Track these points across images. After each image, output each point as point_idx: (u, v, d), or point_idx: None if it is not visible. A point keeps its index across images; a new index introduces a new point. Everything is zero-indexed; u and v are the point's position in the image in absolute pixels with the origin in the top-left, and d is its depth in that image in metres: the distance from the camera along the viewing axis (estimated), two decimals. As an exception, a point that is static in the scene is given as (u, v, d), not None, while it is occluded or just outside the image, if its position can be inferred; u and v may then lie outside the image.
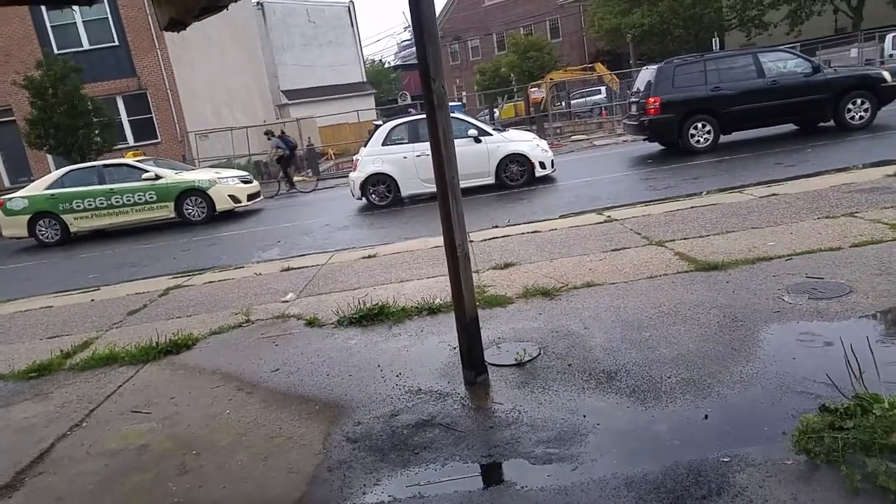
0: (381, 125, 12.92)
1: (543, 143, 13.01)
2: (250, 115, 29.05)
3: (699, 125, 12.56)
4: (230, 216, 14.25)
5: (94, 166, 14.51)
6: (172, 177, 13.93)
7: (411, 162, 11.99)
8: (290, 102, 39.07)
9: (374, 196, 12.33)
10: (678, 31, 36.06)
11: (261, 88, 33.49)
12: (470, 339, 3.58)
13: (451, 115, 11.77)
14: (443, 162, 3.37)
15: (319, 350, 4.47)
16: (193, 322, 5.62)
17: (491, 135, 12.34)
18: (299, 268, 7.36)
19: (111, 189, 13.74)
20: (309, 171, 23.08)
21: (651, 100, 12.71)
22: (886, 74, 12.34)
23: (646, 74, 13.71)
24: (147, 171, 13.86)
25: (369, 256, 7.41)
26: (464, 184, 11.16)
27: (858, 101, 12.09)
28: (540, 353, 3.83)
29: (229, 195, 13.93)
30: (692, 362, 3.39)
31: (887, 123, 12.35)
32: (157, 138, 23.10)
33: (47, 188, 13.98)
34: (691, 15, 35.69)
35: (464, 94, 49.13)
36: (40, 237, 13.83)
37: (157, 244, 12.01)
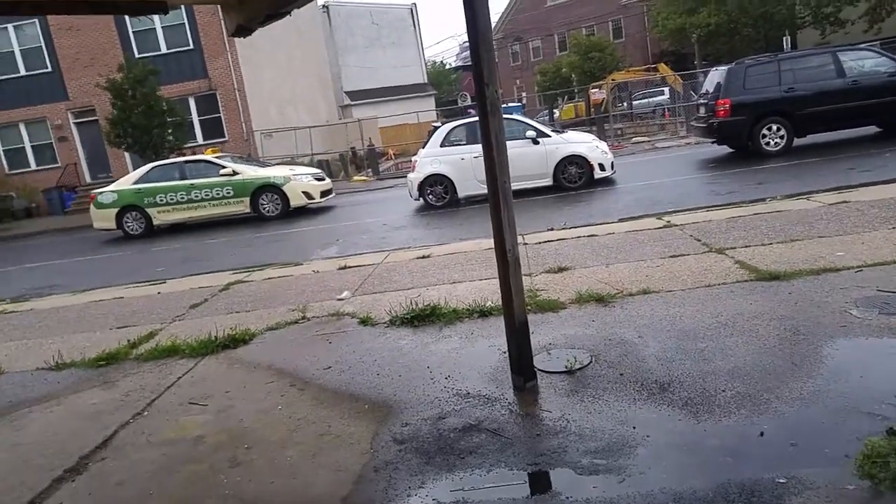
0: (439, 126, 13.05)
1: (603, 145, 12.81)
2: (314, 115, 29.72)
3: (772, 127, 12.13)
4: (303, 212, 14.65)
5: (175, 162, 15.24)
6: (249, 173, 14.46)
7: (469, 163, 11.99)
8: (352, 103, 39.76)
9: (431, 197, 12.42)
10: (747, 31, 34.75)
11: (324, 89, 34.21)
12: (519, 344, 3.56)
13: (509, 116, 11.94)
14: (494, 166, 3.37)
15: (371, 349, 4.54)
16: (251, 317, 5.79)
17: (549, 136, 12.24)
18: (355, 266, 7.48)
19: (191, 184, 14.39)
20: (369, 170, 23.43)
21: (721, 102, 12.36)
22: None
23: (715, 76, 13.36)
24: (224, 168, 14.43)
25: (423, 257, 7.46)
26: (521, 185, 11.61)
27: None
28: (591, 361, 3.77)
29: (303, 192, 14.26)
30: (749, 376, 3.27)
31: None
32: (224, 137, 23.95)
33: (134, 183, 14.76)
34: (762, 13, 34.33)
35: (524, 94, 48.81)
36: (127, 229, 14.63)
37: (227, 238, 12.49)
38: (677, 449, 2.74)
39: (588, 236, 7.29)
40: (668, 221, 7.48)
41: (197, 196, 14.29)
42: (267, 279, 7.48)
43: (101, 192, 14.85)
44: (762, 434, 2.74)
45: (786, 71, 12.12)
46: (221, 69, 23.43)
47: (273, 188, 14.14)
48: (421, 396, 3.65)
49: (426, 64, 51.07)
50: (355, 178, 22.41)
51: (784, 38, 27.59)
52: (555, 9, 51.62)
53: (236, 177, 14.23)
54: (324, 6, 39.88)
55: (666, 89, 31.68)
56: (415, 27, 46.44)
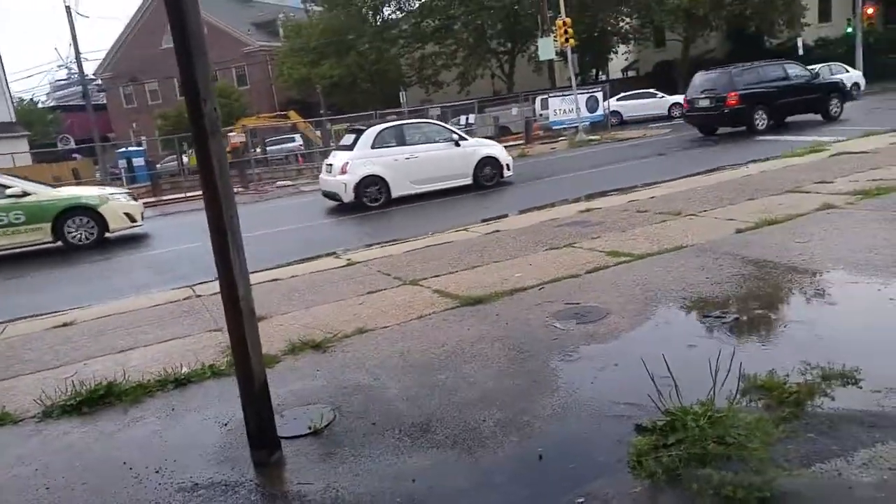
0: (363, 129, 13.14)
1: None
2: None
3: (761, 112, 17.06)
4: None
5: None
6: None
7: (402, 164, 12.64)
8: None
9: (366, 198, 12.42)
10: (365, 85, 38.38)
11: None
12: (260, 410, 2.96)
13: (430, 122, 14.18)
14: (218, 198, 2.75)
15: (25, 456, 3.29)
16: None
17: (467, 139, 13.73)
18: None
19: None
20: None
21: (731, 94, 16.92)
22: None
23: (701, 79, 18.42)
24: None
25: (65, 324, 5.92)
26: (444, 185, 12.87)
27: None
28: (336, 416, 3.36)
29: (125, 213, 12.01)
30: (500, 401, 3.29)
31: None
32: None
33: None
34: (376, 70, 38.39)
35: (143, 138, 44.62)
36: None
37: None
38: (469, 494, 2.56)
39: (271, 281, 6.76)
40: (350, 259, 7.45)
41: None
42: None
43: None
44: (541, 458, 2.74)
45: (763, 75, 17.40)
46: None
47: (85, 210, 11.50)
48: (131, 505, 2.73)
49: (13, 100, 42.80)
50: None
51: (400, 94, 31.14)
52: (172, 52, 48.48)
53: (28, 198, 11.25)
54: None
55: (297, 136, 32.61)
56: (-7, 57, 38.64)
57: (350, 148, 12.96)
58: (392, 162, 12.67)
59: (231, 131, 27.14)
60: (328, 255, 8.04)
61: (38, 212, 11.26)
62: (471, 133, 22.86)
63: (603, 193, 10.32)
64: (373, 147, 12.70)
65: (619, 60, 43.84)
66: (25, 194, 11.36)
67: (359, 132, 13.18)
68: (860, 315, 3.91)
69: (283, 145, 34.21)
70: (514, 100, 30.45)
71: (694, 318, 4.16)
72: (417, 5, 40.19)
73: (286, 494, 2.72)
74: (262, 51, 46.55)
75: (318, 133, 27.82)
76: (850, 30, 32.70)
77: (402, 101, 31.81)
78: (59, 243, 11.46)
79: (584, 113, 25.54)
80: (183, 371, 4.17)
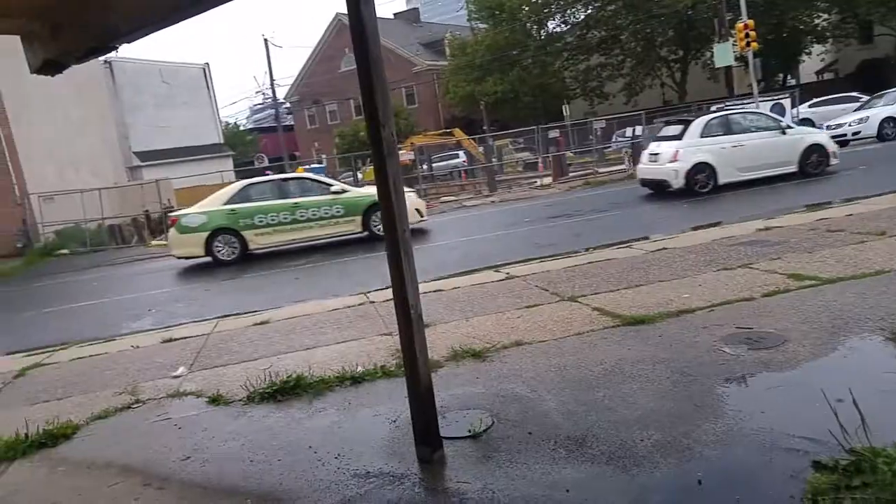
0: (692, 120, 13.89)
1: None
2: (100, 177, 26.44)
3: None
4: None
5: None
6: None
7: (729, 152, 13.15)
8: (142, 164, 36.61)
9: (696, 185, 13.06)
10: (527, 99, 38.67)
11: (111, 149, 30.93)
12: (425, 410, 3.20)
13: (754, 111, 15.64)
14: (394, 215, 3.04)
15: (234, 432, 3.83)
16: (67, 406, 4.68)
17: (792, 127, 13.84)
18: (182, 338, 6.48)
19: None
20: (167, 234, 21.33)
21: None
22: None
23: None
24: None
25: (262, 323, 6.72)
26: (764, 173, 12.88)
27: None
28: (494, 422, 3.51)
29: (416, 209, 13.36)
30: (659, 422, 3.24)
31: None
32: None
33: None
34: (539, 84, 38.54)
35: (323, 156, 48.69)
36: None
37: None
38: (625, 510, 2.56)
39: (434, 291, 7.13)
40: (508, 273, 7.63)
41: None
42: (76, 359, 6.16)
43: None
44: (700, 482, 2.67)
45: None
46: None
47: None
48: (313, 483, 3.09)
49: (221, 124, 48.98)
50: (153, 243, 20.21)
51: (563, 106, 30.98)
52: (349, 74, 52.60)
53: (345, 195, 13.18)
54: (106, 62, 36.51)
55: (461, 152, 33.67)
56: (208, 87, 44.55)
57: (678, 137, 13.71)
58: (720, 150, 13.21)
59: (401, 149, 28.82)
60: (488, 268, 8.27)
61: (353, 206, 12.99)
62: (638, 146, 22.19)
63: (788, 211, 9.52)
64: (701, 136, 13.37)
65: (812, 62, 39.72)
66: (344, 191, 13.24)
67: (686, 122, 14.09)
68: None
69: (448, 161, 35.55)
70: (686, 109, 28.96)
71: (891, 352, 3.74)
72: (583, 17, 39.79)
73: (447, 490, 2.91)
74: (429, 70, 48.76)
75: (481, 149, 28.51)
76: None
77: (565, 113, 31.63)
78: (366, 234, 13.16)
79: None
80: (358, 370, 4.57)
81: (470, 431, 3.42)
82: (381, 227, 11.45)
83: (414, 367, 3.17)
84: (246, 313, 7.52)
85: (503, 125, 36.33)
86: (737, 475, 2.69)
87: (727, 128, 13.60)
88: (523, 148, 32.41)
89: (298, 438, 3.63)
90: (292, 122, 58.74)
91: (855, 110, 22.78)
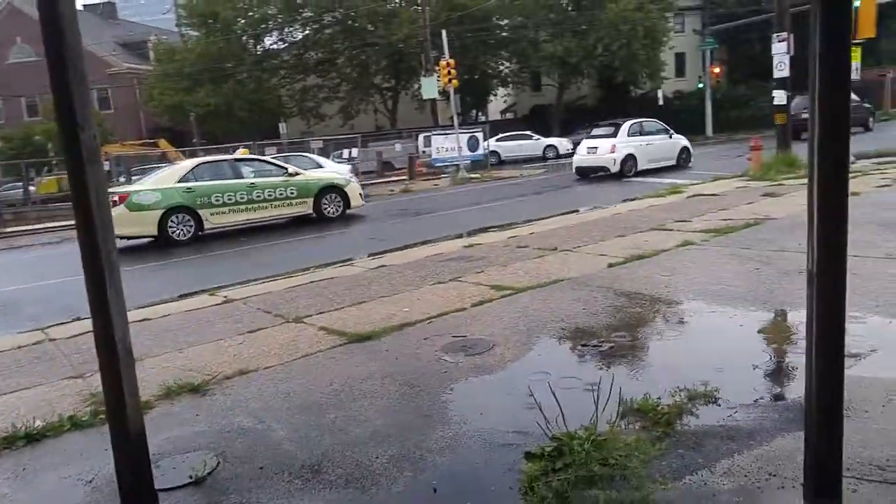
0: (621, 123, 19.29)
1: None
2: None
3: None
4: None
5: None
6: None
7: (643, 147, 18.89)
8: None
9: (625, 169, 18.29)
10: (242, 114, 37.26)
11: None
12: (136, 461, 2.74)
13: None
14: (96, 232, 2.58)
15: None
16: None
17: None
18: None
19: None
20: None
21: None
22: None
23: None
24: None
25: None
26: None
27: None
28: (219, 463, 3.19)
29: (359, 193, 14.93)
30: (392, 436, 3.29)
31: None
32: None
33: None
34: (254, 99, 37.46)
35: (-27, 163, 40.08)
36: None
37: None
38: (365, 533, 2.52)
39: (141, 321, 6.32)
40: (226, 297, 7.14)
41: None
42: None
43: None
44: (435, 490, 2.76)
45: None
46: None
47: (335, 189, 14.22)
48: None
49: None
50: None
51: (280, 124, 30.57)
52: (20, 67, 44.08)
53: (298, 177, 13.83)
54: None
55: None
56: None
57: (612, 136, 18.73)
58: (638, 146, 18.69)
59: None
60: (202, 292, 7.65)
61: (305, 189, 13.70)
62: (353, 167, 22.95)
63: (484, 230, 10.67)
64: (628, 135, 18.65)
65: (498, 102, 45.88)
66: (297, 174, 13.81)
67: (616, 125, 19.30)
68: (718, 340, 4.33)
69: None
70: (397, 136, 30.95)
71: (574, 348, 4.37)
72: (300, 37, 39.95)
73: (165, 551, 2.53)
74: (129, 73, 43.98)
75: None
76: (700, 85, 36.48)
77: (281, 131, 31.23)
78: (314, 215, 13.99)
79: (466, 152, 26.44)
80: (36, 425, 3.77)
81: (192, 477, 3.04)
82: (330, 209, 14.12)
83: (121, 411, 2.70)
84: None
85: (215, 139, 34.39)
86: (465, 477, 2.84)
87: (641, 131, 19.26)
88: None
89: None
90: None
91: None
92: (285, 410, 3.75)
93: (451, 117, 26.22)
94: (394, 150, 28.80)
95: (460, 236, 9.85)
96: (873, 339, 3.87)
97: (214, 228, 12.96)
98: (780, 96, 14.52)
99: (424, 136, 28.66)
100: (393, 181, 25.41)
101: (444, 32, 25.82)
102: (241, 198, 12.96)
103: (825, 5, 1.93)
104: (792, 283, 5.19)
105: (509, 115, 46.11)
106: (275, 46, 41.20)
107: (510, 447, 3.03)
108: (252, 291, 7.31)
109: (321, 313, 5.88)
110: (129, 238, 12.39)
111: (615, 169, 18.31)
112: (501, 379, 3.91)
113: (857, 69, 14.67)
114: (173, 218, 12.24)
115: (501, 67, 40.93)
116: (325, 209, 13.96)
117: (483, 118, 44.26)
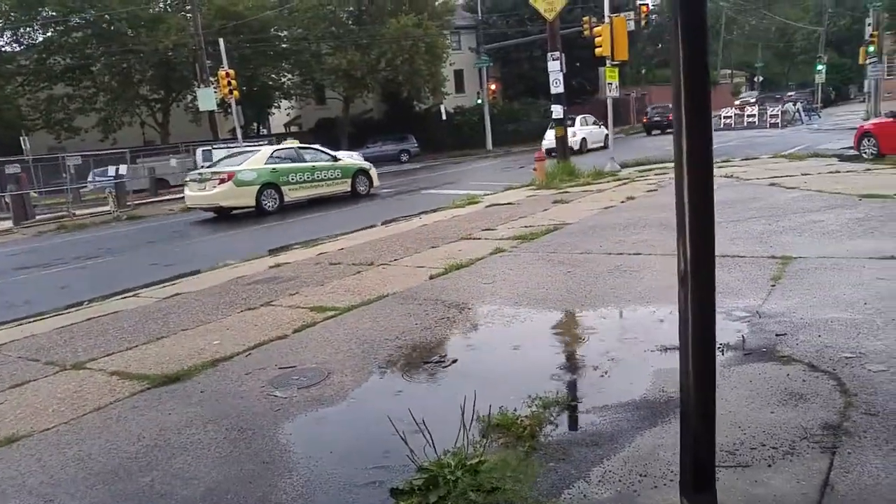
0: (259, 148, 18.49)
1: None
2: None
3: None
4: None
5: None
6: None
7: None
8: None
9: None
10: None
11: None
12: None
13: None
14: None
15: None
16: None
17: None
18: None
19: None
20: None
21: None
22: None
23: None
24: None
25: None
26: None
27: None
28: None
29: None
30: (231, 493, 2.79)
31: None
32: None
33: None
34: (-16, 109, 31.70)
35: None
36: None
37: None
38: None
39: None
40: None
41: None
42: None
43: None
44: (297, 552, 2.36)
45: None
46: None
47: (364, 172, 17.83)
48: None
49: None
50: None
51: (21, 138, 26.14)
52: None
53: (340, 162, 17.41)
54: None
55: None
56: None
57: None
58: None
59: None
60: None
61: (346, 171, 17.23)
62: (121, 185, 20.62)
63: (286, 247, 10.06)
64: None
65: (281, 115, 44.40)
66: (338, 159, 17.49)
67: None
68: (555, 343, 4.40)
69: None
70: (172, 150, 28.35)
71: (417, 367, 4.11)
72: (41, 39, 34.69)
73: None
74: None
75: None
76: (479, 101, 38.89)
77: (24, 146, 26.65)
78: (350, 192, 17.24)
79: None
80: None
81: None
82: (362, 188, 18.20)
83: None
84: None
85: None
86: (330, 530, 2.48)
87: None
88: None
89: None
90: None
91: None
92: (82, 481, 3.02)
93: (234, 129, 24.70)
94: (169, 166, 26.26)
95: (260, 257, 9.14)
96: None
97: (290, 201, 15.92)
98: (557, 110, 15.88)
99: (203, 150, 26.51)
100: (170, 199, 23.15)
101: (221, 41, 24.31)
102: (308, 177, 16.21)
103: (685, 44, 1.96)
104: (605, 283, 5.56)
105: (294, 128, 44.89)
106: (8, 49, 35.22)
107: (373, 485, 2.73)
108: (9, 336, 5.99)
109: (110, 355, 4.96)
110: (234, 209, 15.34)
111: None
112: (346, 410, 3.56)
113: (615, 87, 16.58)
114: (265, 192, 15.17)
115: (283, 79, 39.64)
116: (358, 188, 17.38)
117: (265, 131, 42.52)
